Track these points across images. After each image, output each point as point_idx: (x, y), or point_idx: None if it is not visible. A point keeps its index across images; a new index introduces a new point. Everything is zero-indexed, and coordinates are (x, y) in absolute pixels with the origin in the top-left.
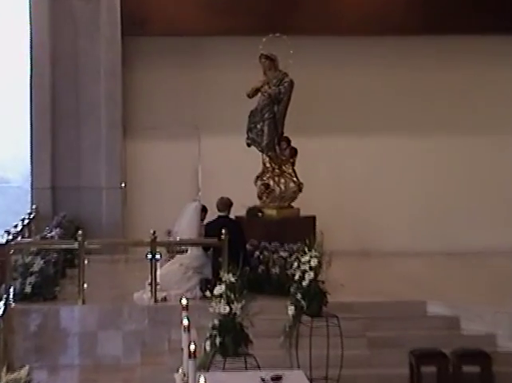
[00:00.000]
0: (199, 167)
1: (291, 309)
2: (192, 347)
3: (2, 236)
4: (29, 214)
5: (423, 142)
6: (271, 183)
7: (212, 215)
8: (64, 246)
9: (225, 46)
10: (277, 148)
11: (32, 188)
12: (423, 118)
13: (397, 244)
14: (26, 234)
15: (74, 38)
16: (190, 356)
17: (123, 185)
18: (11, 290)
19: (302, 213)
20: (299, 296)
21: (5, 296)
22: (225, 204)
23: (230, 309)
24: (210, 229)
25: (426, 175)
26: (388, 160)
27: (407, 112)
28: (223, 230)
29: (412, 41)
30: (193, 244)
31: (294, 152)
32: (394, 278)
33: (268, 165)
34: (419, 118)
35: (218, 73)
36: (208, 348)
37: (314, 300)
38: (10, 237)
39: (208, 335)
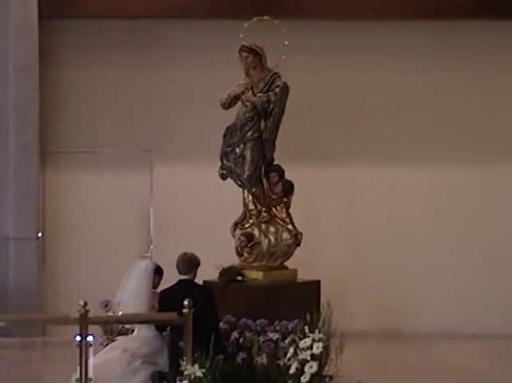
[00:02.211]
0: (151, 209)
1: None
2: None
3: None
4: None
5: (483, 174)
6: (256, 232)
7: (170, 279)
8: None
9: (189, 34)
10: (264, 181)
11: None
12: (483, 140)
13: (439, 323)
14: None
15: None
16: None
17: (39, 235)
18: None
19: (301, 276)
20: None
21: None
22: (188, 264)
23: None
24: (167, 299)
25: (480, 223)
26: (428, 200)
27: (456, 129)
28: (186, 301)
29: (464, 26)
30: (142, 321)
31: (289, 188)
32: (435, 371)
33: (251, 207)
34: (476, 139)
35: (180, 73)
36: None
37: None
38: None
39: None
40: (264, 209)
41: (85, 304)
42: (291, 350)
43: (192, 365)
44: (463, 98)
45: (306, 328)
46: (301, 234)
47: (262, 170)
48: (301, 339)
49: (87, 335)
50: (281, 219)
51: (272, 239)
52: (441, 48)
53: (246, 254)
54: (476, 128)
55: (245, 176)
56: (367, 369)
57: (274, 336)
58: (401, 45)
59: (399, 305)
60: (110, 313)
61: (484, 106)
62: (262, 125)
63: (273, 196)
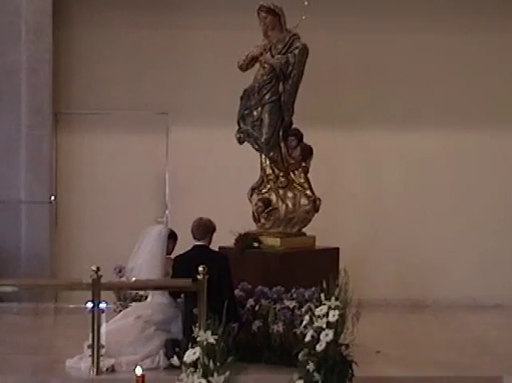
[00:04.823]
0: (167, 173)
1: None
2: None
3: None
4: None
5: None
6: (273, 198)
7: (184, 244)
8: None
9: None
10: (282, 145)
11: None
12: None
13: (459, 293)
14: None
15: None
16: None
17: (52, 198)
18: None
19: (319, 243)
20: (311, 366)
21: None
22: (203, 229)
23: None
24: (182, 265)
25: (506, 192)
26: (451, 167)
27: (484, 93)
28: (200, 268)
29: None
30: (156, 288)
31: (308, 153)
32: (455, 342)
33: (269, 171)
34: (506, 105)
35: (197, 33)
36: None
37: (334, 373)
38: None
39: None
40: (282, 174)
41: (98, 269)
42: (307, 318)
43: (205, 331)
44: (492, 62)
45: (322, 295)
46: (320, 199)
47: (280, 134)
48: (317, 307)
49: (99, 301)
50: (300, 185)
51: (290, 205)
52: (465, 10)
53: (262, 220)
54: (508, 92)
55: (262, 140)
56: (386, 339)
57: (291, 304)
58: (427, 7)
59: (420, 274)
60: (123, 279)
61: None
62: (281, 88)
63: (292, 161)
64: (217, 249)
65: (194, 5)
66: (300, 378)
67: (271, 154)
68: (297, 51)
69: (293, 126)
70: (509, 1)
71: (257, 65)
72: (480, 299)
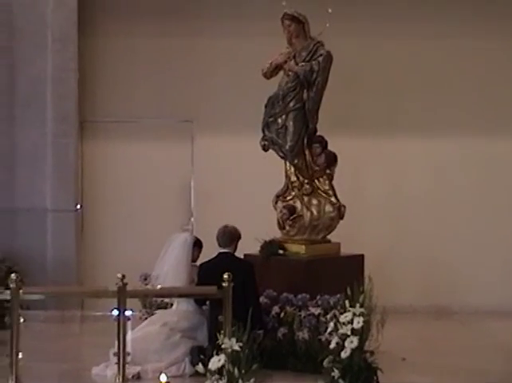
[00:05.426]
0: (192, 181)
1: None
2: None
3: None
4: None
5: None
6: (298, 205)
7: (210, 252)
8: None
9: (232, 2)
10: (307, 153)
11: None
12: None
13: (485, 299)
14: None
15: None
16: None
17: (78, 207)
18: None
19: (344, 250)
20: (336, 373)
21: None
22: (229, 237)
23: None
24: (207, 273)
25: None
26: (477, 173)
27: (506, 100)
28: (225, 275)
29: None
30: (181, 295)
31: (333, 160)
32: (481, 349)
33: (294, 179)
34: None
35: (221, 41)
36: None
37: (359, 380)
38: None
39: None
40: (306, 181)
41: (123, 277)
42: (331, 325)
43: (230, 339)
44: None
45: (347, 302)
46: (345, 207)
47: (305, 141)
48: (342, 314)
49: (125, 309)
50: (324, 192)
51: (314, 212)
52: (480, 16)
53: (287, 227)
54: None
55: (287, 147)
56: (412, 345)
57: (316, 311)
58: (446, 14)
59: (446, 281)
60: (149, 287)
61: None
62: (305, 95)
63: (316, 168)
64: (242, 256)
65: (218, 13)
66: None
67: (296, 161)
68: (321, 58)
69: (318, 133)
70: None
71: (282, 72)
72: (507, 305)
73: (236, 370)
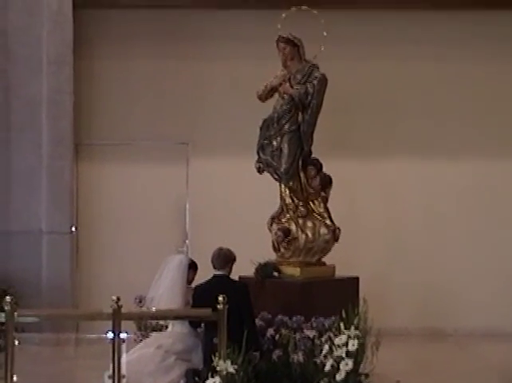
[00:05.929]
0: (187, 203)
1: None
2: None
3: None
4: None
5: None
6: (293, 227)
7: (205, 274)
8: None
9: (225, 24)
10: (301, 175)
11: None
12: None
13: (480, 322)
14: None
15: (2, 10)
16: None
17: (73, 229)
18: None
19: (339, 273)
20: None
21: None
22: (223, 259)
23: None
24: (202, 295)
25: None
26: (470, 196)
27: (498, 123)
28: (220, 297)
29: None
30: (176, 317)
31: (328, 182)
32: (476, 372)
33: (289, 201)
34: None
35: (216, 64)
36: None
37: None
38: None
39: None
40: (301, 203)
41: (118, 299)
42: (326, 347)
43: (225, 361)
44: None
45: (342, 325)
46: (339, 229)
47: (300, 163)
48: (336, 336)
49: (120, 331)
50: (319, 214)
51: (309, 234)
52: (479, 39)
53: (282, 250)
54: None
55: (282, 170)
56: (407, 368)
57: (311, 333)
58: (440, 36)
59: (440, 303)
60: (144, 309)
61: None
62: (300, 118)
63: (311, 190)
64: (237, 278)
65: (213, 36)
66: None
67: (291, 183)
68: (316, 81)
69: (313, 155)
70: None
71: (277, 95)
72: (502, 328)
73: None
